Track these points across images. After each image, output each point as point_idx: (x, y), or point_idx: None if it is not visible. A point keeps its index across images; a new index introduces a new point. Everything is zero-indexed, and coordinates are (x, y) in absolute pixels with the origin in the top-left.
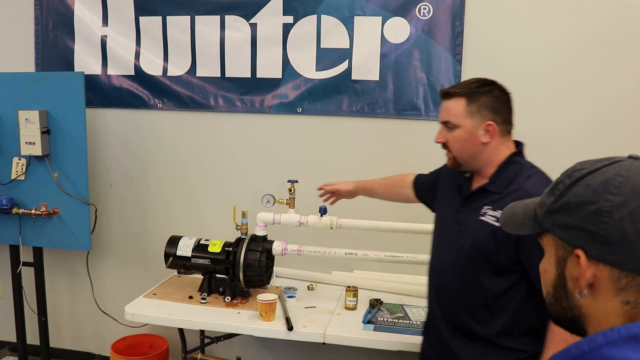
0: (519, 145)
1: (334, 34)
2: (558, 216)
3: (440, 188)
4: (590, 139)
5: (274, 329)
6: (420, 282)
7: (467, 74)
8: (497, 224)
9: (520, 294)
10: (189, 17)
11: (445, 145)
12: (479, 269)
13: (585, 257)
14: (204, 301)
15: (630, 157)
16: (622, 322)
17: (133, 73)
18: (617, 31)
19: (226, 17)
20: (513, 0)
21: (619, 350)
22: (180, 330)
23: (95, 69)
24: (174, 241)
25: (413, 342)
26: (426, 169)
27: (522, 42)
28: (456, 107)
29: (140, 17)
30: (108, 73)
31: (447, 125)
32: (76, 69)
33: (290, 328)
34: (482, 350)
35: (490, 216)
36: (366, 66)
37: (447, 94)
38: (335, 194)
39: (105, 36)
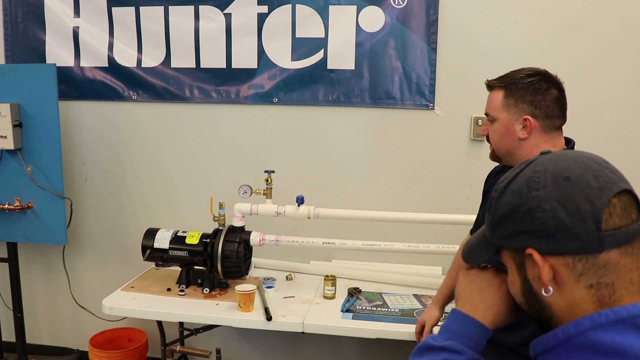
0: (569, 143)
1: (309, 24)
2: (500, 229)
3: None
4: (569, 132)
5: (253, 319)
6: (397, 270)
7: (442, 63)
8: None
9: None
10: (162, 7)
11: (488, 138)
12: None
13: (537, 253)
14: (182, 293)
15: (542, 153)
16: (593, 307)
17: (107, 65)
18: (595, 19)
19: (200, 7)
20: None
21: (606, 334)
22: (159, 323)
23: (67, 60)
24: (151, 233)
25: (391, 330)
26: (401, 158)
27: (496, 29)
28: (495, 100)
29: (112, 8)
30: (81, 65)
31: (488, 117)
32: (48, 60)
33: (269, 318)
34: (501, 357)
35: None
36: (341, 55)
37: (489, 85)
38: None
39: (78, 27)
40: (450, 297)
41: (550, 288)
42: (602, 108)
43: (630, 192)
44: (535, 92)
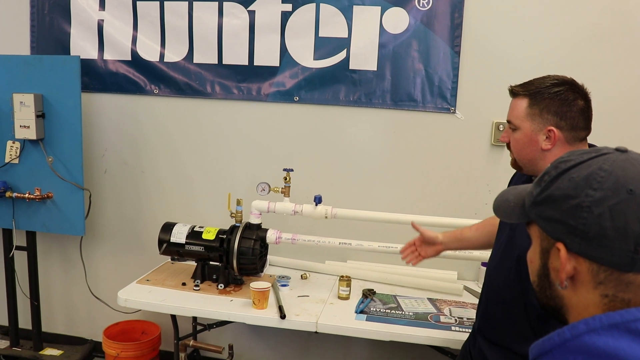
0: None
1: (333, 23)
2: (542, 208)
3: None
4: (592, 136)
5: (267, 317)
6: (413, 273)
7: (465, 67)
8: None
9: None
10: (186, 2)
11: (508, 145)
12: (525, 282)
13: (565, 250)
14: (197, 288)
15: (617, 149)
16: (600, 313)
17: (130, 58)
18: (618, 26)
19: (224, 3)
20: None
21: (599, 338)
22: (173, 317)
23: (91, 53)
24: (168, 227)
25: (405, 332)
26: (421, 161)
27: (521, 35)
28: (518, 108)
29: (137, 2)
30: (104, 58)
31: (510, 125)
32: (72, 53)
33: (282, 316)
34: None
35: None
36: (364, 56)
37: (512, 92)
38: (418, 247)
39: (102, 20)
40: (458, 240)
41: (566, 283)
42: (625, 113)
43: None
44: (561, 103)
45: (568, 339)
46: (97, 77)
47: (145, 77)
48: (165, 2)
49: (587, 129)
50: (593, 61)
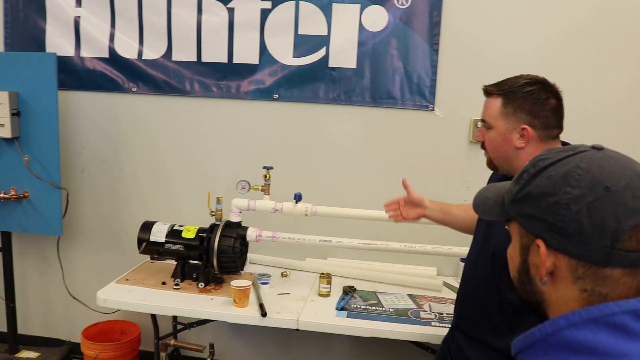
0: None
1: (312, 21)
2: (521, 205)
3: None
4: (571, 139)
5: (248, 315)
6: (393, 269)
7: (443, 64)
8: None
9: None
10: None
11: (483, 145)
12: (499, 277)
13: (545, 247)
14: (177, 287)
15: (593, 147)
16: (580, 308)
17: (107, 56)
18: (598, 24)
19: (203, 0)
20: None
21: (579, 332)
22: (153, 316)
23: (68, 50)
24: (147, 226)
25: (385, 329)
26: (400, 158)
27: (499, 33)
28: (492, 107)
29: None
30: (81, 55)
31: (485, 124)
32: (48, 50)
33: (263, 314)
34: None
35: None
36: (343, 54)
37: (486, 91)
38: (402, 207)
39: (79, 17)
40: (443, 212)
41: (546, 279)
42: (604, 114)
43: None
44: (534, 102)
45: (549, 334)
46: (73, 75)
47: (123, 74)
48: None
49: (560, 127)
50: (573, 61)
